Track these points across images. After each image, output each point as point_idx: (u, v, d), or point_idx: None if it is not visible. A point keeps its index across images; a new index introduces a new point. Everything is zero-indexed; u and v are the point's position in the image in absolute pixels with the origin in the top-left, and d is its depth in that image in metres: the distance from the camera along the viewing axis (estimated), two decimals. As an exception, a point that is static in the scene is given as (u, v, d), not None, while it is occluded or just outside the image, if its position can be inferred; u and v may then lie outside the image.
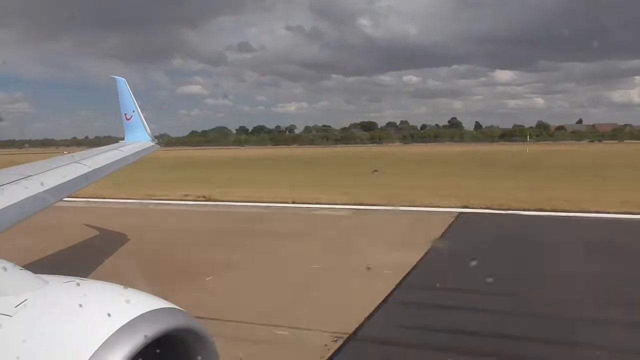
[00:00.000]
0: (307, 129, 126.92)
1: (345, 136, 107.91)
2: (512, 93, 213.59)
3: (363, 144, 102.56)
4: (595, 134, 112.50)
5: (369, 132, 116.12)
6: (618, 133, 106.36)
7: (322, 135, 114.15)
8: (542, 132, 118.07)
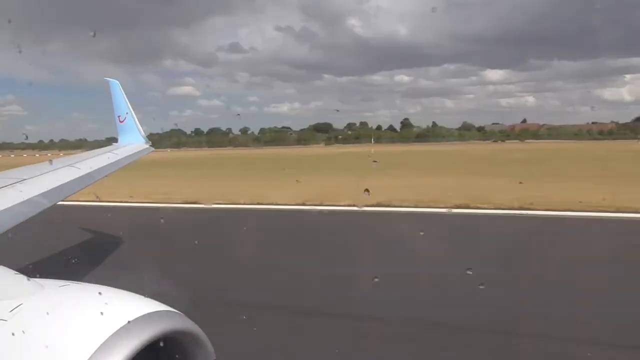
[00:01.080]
0: (261, 130, 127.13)
1: (276, 138, 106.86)
2: (503, 92, 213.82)
3: (291, 145, 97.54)
4: (504, 133, 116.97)
5: (324, 133, 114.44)
6: (523, 133, 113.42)
7: (253, 137, 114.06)
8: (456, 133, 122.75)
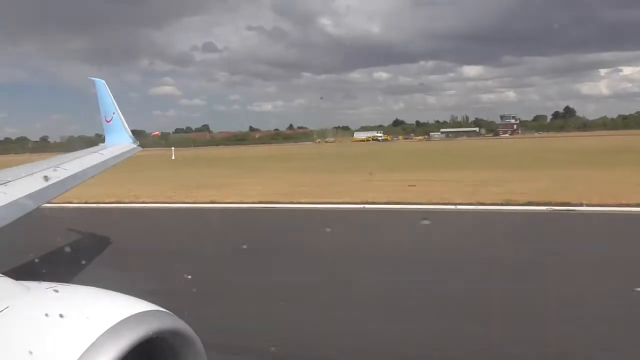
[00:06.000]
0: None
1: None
2: (482, 88, 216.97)
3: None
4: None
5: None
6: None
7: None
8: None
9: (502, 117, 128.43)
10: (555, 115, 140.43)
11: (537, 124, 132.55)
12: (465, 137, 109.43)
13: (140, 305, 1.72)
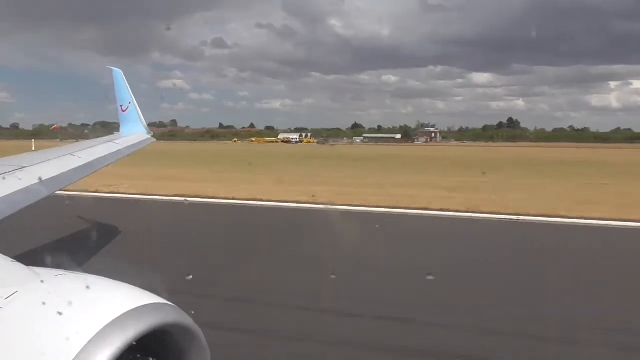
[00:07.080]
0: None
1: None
2: (491, 95, 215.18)
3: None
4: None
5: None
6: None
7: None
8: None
9: (422, 125, 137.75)
10: (499, 125, 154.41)
11: (458, 134, 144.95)
12: (374, 143, 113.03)
13: (146, 298, 1.73)
